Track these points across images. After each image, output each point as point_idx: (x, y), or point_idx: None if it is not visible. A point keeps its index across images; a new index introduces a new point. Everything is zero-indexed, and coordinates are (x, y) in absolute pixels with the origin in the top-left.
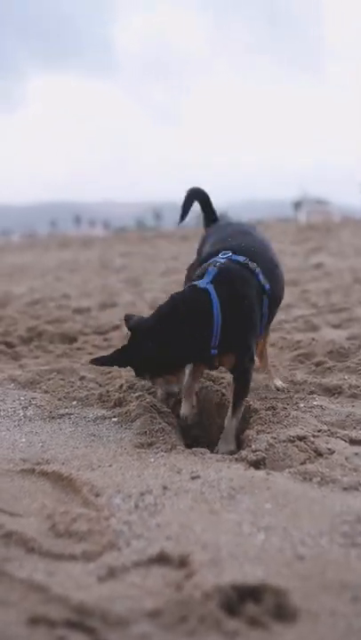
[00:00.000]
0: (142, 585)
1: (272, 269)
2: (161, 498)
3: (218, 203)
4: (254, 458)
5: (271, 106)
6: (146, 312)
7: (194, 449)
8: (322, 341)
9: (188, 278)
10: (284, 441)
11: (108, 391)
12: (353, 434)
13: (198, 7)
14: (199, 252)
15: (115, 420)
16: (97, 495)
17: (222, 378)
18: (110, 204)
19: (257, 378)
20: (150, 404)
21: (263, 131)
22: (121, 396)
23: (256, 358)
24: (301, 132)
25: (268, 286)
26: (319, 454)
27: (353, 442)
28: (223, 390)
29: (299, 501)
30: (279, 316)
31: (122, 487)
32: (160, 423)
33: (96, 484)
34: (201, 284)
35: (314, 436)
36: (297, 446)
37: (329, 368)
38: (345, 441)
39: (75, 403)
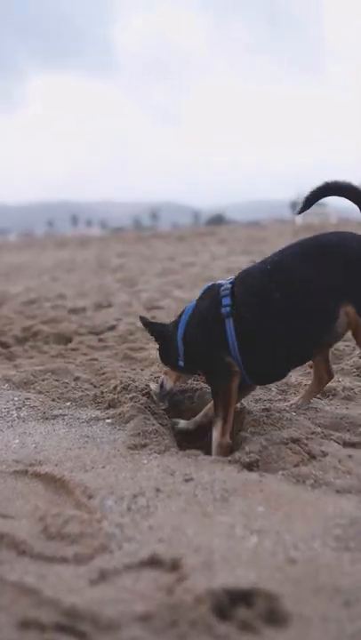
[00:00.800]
0: (133, 588)
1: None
2: (154, 500)
3: (216, 203)
4: (248, 460)
5: (271, 106)
6: (141, 312)
7: (187, 451)
8: None
9: None
10: (277, 443)
11: (102, 392)
12: (347, 436)
13: (198, 7)
14: None
15: (108, 421)
16: (90, 497)
17: None
18: (108, 204)
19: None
20: (144, 405)
21: (263, 131)
22: (115, 397)
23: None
24: (301, 132)
25: (226, 309)
26: (313, 457)
27: (347, 444)
28: None
29: (292, 504)
30: None
31: (115, 489)
32: (154, 425)
33: (89, 486)
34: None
35: (308, 439)
36: (290, 448)
37: None
38: (339, 443)
39: (69, 404)
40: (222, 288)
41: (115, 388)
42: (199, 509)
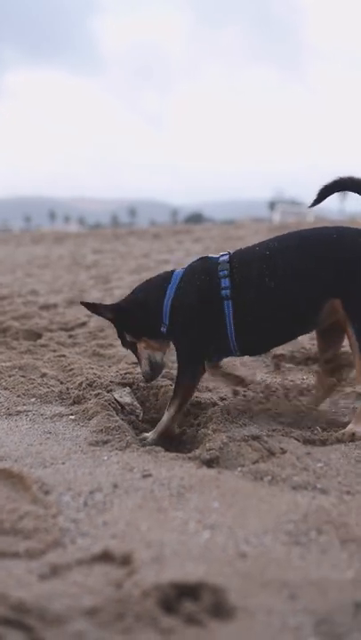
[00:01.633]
0: (84, 583)
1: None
2: (110, 496)
3: (195, 202)
4: (208, 457)
5: (252, 107)
6: None
7: (149, 447)
8: None
9: None
10: (238, 440)
11: (68, 388)
12: (307, 433)
13: (184, 8)
14: None
15: (72, 417)
16: (46, 493)
17: None
18: (87, 201)
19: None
20: (108, 401)
21: (244, 132)
22: (80, 393)
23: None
24: (282, 134)
25: (226, 292)
26: (272, 453)
27: (306, 441)
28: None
29: (247, 500)
30: None
31: (72, 485)
32: (117, 421)
33: (47, 482)
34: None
35: (268, 436)
36: (251, 445)
37: (289, 368)
38: (298, 440)
39: (34, 400)
40: (220, 267)
41: (80, 384)
42: (155, 505)
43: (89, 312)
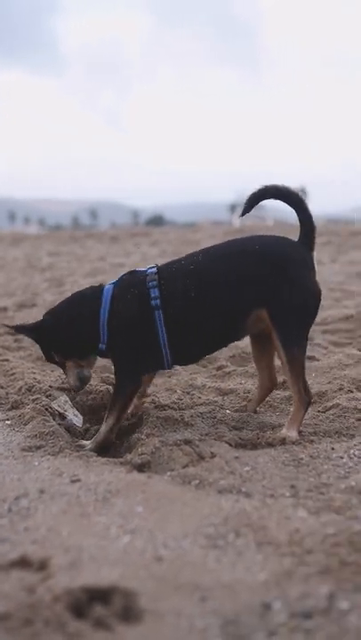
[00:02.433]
0: None
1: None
2: (36, 501)
3: (156, 204)
4: (139, 461)
5: (212, 110)
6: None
7: (82, 452)
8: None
9: None
10: (170, 444)
11: (7, 393)
12: (238, 437)
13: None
14: None
15: (8, 422)
16: None
17: None
18: (48, 202)
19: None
20: (45, 406)
21: (205, 134)
22: (18, 398)
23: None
24: (241, 136)
25: (156, 302)
26: (202, 458)
27: (238, 445)
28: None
29: (171, 504)
30: None
31: None
32: (52, 426)
33: None
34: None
35: (200, 440)
36: (182, 450)
37: (229, 373)
38: (231, 445)
39: None
40: (148, 278)
41: (20, 389)
42: (79, 510)
43: (39, 316)
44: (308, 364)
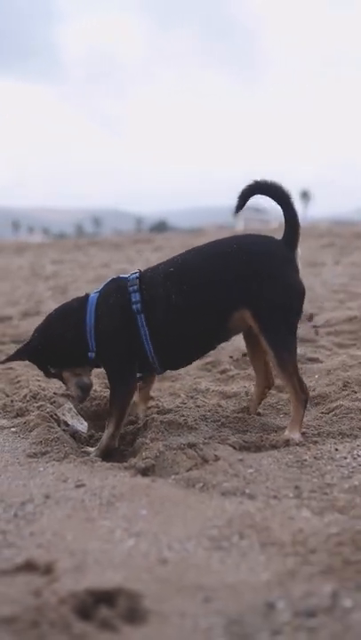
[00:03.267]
0: (5, 593)
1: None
2: (41, 507)
3: (160, 210)
4: (143, 465)
5: (214, 114)
6: None
7: (86, 458)
8: (229, 348)
9: None
10: (174, 448)
11: (12, 401)
12: (242, 440)
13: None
14: None
15: (13, 430)
16: None
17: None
18: (51, 211)
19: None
20: (50, 413)
21: (207, 138)
22: (23, 405)
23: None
24: (244, 138)
25: (137, 306)
26: (205, 461)
27: (242, 447)
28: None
29: (175, 507)
30: None
31: (5, 497)
32: (57, 432)
33: None
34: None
35: (204, 443)
36: (186, 453)
37: (232, 376)
38: (234, 447)
39: None
40: (130, 283)
41: (25, 396)
42: (84, 515)
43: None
44: (311, 365)
